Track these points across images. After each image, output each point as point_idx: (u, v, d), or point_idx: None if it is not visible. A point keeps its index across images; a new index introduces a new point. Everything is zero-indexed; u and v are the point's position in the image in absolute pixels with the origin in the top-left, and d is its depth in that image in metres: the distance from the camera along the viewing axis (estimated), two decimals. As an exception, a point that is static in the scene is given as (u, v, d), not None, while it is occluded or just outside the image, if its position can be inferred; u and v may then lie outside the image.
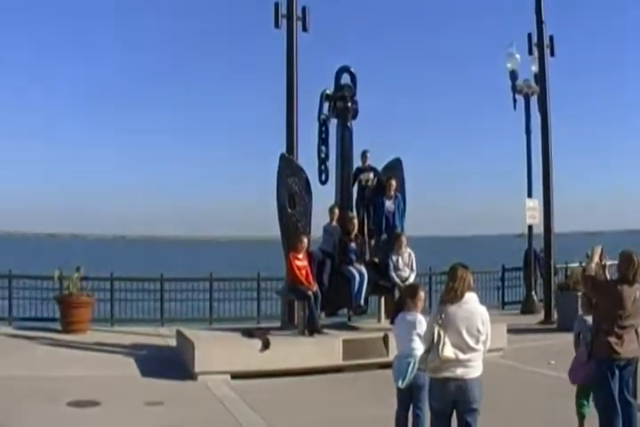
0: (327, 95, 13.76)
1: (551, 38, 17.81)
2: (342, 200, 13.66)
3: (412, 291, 7.61)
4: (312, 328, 12.16)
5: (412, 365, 6.95)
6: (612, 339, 6.81)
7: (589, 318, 7.44)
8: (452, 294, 6.12)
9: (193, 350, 11.26)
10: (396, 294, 12.77)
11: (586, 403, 7.73)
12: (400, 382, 7.20)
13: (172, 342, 13.44)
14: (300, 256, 12.43)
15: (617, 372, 6.88)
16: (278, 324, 13.72)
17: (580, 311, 8.20)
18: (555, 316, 17.05)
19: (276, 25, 14.43)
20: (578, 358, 7.67)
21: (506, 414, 8.70)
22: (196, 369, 11.08)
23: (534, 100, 18.65)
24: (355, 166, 13.85)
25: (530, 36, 17.95)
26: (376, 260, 13.55)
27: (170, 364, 12.07)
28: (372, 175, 13.86)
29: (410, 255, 13.30)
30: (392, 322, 7.79)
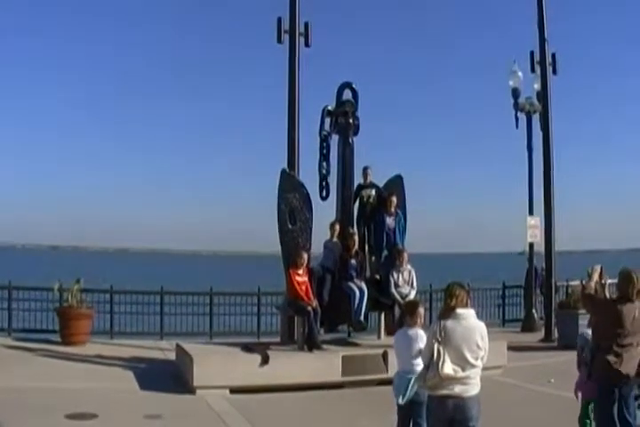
0: (329, 111, 13.77)
1: (553, 56, 17.84)
2: (343, 216, 13.64)
3: (411, 307, 7.63)
4: (311, 344, 12.13)
5: (412, 381, 6.93)
6: (611, 358, 6.79)
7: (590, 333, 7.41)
8: (450, 311, 6.15)
9: (192, 364, 11.24)
10: (396, 310, 12.77)
11: (588, 422, 7.68)
12: (400, 399, 7.19)
13: (172, 356, 13.41)
14: (300, 272, 12.43)
15: (616, 391, 6.86)
16: (278, 339, 13.69)
17: (585, 328, 8.14)
18: (555, 334, 16.99)
19: (279, 40, 14.51)
20: (581, 375, 7.66)
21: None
22: (195, 383, 11.06)
23: (536, 117, 18.66)
24: (356, 183, 13.85)
25: (532, 53, 17.98)
26: (377, 276, 13.54)
27: (169, 377, 12.05)
28: (373, 192, 13.82)
29: (410, 272, 13.31)
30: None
